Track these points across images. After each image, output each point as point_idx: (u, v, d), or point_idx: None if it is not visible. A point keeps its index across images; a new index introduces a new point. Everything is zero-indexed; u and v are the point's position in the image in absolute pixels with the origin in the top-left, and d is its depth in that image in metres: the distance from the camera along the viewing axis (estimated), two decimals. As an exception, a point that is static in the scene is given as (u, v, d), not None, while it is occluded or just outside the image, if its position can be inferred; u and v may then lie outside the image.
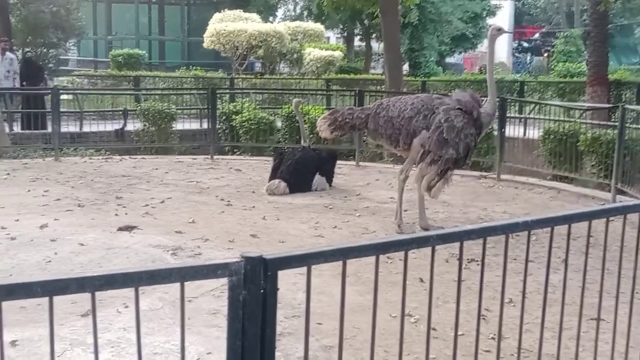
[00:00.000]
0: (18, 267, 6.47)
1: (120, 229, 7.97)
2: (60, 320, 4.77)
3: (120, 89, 23.86)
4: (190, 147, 16.91)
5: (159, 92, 21.23)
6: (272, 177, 10.90)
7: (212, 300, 5.56)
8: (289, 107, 15.24)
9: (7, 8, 21.61)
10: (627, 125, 10.86)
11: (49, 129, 14.77)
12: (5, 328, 3.91)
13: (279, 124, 15.95)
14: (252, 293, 2.24)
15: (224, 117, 16.09)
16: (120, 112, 18.65)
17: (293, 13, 44.11)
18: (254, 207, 9.64)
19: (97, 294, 2.07)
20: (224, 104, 17.80)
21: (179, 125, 17.29)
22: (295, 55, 32.94)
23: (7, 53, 16.88)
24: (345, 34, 43.81)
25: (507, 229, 2.94)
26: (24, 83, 16.72)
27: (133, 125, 17.44)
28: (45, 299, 2.01)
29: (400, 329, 2.71)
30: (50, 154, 14.02)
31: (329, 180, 11.25)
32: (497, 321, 3.02)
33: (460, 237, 2.80)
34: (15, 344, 4.46)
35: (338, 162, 11.93)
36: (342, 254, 2.48)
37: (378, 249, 2.61)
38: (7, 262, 6.59)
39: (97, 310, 4.42)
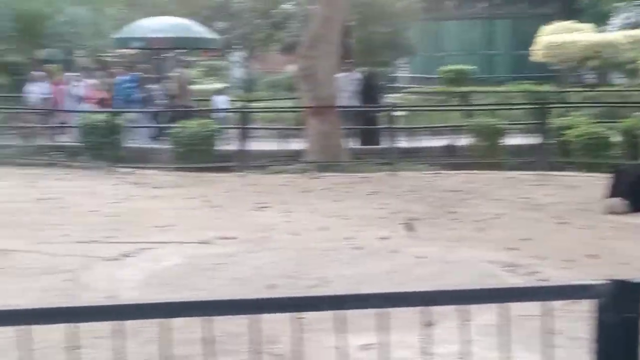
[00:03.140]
0: (363, 276, 6.91)
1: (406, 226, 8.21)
2: (407, 328, 5.00)
3: (449, 105, 24.29)
4: (520, 162, 16.70)
5: (488, 107, 21.27)
6: (610, 195, 10.40)
7: (550, 319, 5.46)
8: (627, 121, 14.43)
9: (349, 30, 23.09)
10: None
11: (384, 145, 15.55)
12: (357, 333, 4.20)
13: (616, 138, 15.17)
14: (619, 317, 2.19)
15: (555, 132, 15.68)
16: (451, 128, 18.98)
17: (633, 20, 41.62)
18: (590, 225, 9.27)
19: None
20: (554, 118, 17.34)
21: (508, 140, 17.17)
22: (631, 65, 31.03)
23: (355, 74, 18.18)
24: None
25: None
26: (365, 101, 17.75)
27: (463, 141, 17.65)
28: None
29: None
30: (385, 169, 14.71)
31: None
32: None
33: None
34: (367, 347, 4.78)
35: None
36: None
37: None
38: (354, 271, 7.08)
39: (441, 321, 4.58)
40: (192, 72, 19.65)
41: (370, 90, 18.23)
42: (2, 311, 2.19)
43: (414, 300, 2.17)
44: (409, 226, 8.95)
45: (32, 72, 20.22)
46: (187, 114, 17.15)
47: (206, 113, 18.38)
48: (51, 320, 2.19)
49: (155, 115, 18.50)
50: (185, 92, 18.95)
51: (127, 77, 18.88)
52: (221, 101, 19.32)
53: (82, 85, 18.97)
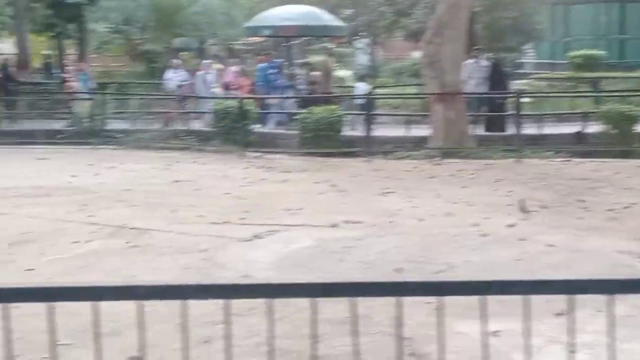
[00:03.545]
0: (490, 263, 6.94)
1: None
2: (537, 316, 5.02)
3: (578, 91, 23.59)
4: (653, 151, 16.07)
5: (619, 93, 20.54)
6: None
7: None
8: None
9: (475, 16, 22.83)
10: None
11: (510, 132, 15.34)
12: (478, 320, 4.27)
13: None
14: None
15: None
16: (579, 115, 18.46)
17: None
18: None
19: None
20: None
21: (640, 128, 16.57)
22: None
23: (482, 60, 17.99)
24: None
25: None
26: (494, 87, 17.45)
27: (592, 128, 17.15)
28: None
29: None
30: (510, 156, 14.52)
31: None
32: None
33: None
34: (496, 334, 4.83)
35: None
36: None
37: None
38: (481, 258, 7.11)
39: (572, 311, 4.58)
40: (330, 59, 19.63)
41: (498, 77, 17.93)
42: (159, 286, 2.35)
43: (559, 288, 2.22)
44: (522, 205, 9.02)
45: (172, 60, 21.05)
46: (329, 100, 17.37)
47: (347, 99, 18.61)
48: (206, 296, 2.33)
49: (296, 102, 18.65)
50: (329, 79, 18.92)
51: (268, 64, 19.19)
52: (362, 88, 19.45)
53: (215, 73, 19.58)
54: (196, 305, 5.19)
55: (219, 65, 20.35)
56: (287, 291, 2.27)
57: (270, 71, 18.88)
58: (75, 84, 19.28)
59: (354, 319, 2.24)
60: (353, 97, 18.73)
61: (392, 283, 2.25)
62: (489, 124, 17.23)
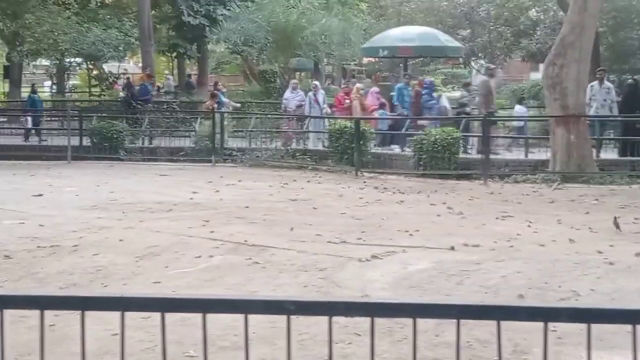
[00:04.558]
0: (618, 292, 6.67)
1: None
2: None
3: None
4: None
5: None
6: None
7: None
8: None
9: (598, 38, 22.13)
10: None
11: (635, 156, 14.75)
12: (614, 349, 4.08)
13: None
14: None
15: None
16: None
17: None
18: None
19: None
20: None
21: None
22: None
23: (605, 82, 17.33)
24: None
25: None
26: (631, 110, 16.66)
27: None
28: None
29: None
30: (636, 182, 13.99)
31: None
32: None
33: None
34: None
35: None
36: None
37: None
38: (608, 286, 6.85)
39: None
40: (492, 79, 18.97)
41: (636, 99, 17.13)
42: (308, 302, 2.35)
43: None
44: (616, 223, 9.11)
45: (291, 80, 21.39)
46: (491, 122, 16.87)
47: (507, 121, 18.39)
48: (353, 313, 2.31)
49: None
50: (492, 99, 18.30)
51: (404, 85, 19.02)
52: (522, 110, 19.18)
53: (324, 93, 19.76)
54: (315, 323, 5.20)
55: (359, 85, 20.48)
56: (433, 311, 2.24)
57: (424, 92, 18.70)
58: (214, 103, 19.77)
59: (499, 342, 2.20)
60: (512, 119, 18.44)
61: (540, 308, 2.18)
62: (625, 148, 16.38)
